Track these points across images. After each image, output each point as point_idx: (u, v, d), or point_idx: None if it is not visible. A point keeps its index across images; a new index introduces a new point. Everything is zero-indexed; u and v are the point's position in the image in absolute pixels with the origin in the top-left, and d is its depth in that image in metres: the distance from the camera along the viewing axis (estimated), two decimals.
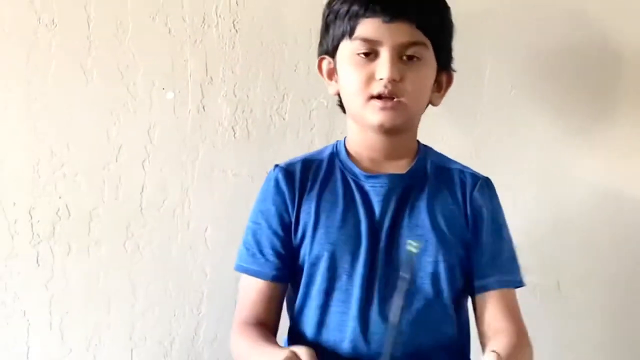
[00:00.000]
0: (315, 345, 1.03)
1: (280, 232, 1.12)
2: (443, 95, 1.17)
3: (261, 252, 1.12)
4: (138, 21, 1.35)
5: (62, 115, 1.37)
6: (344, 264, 1.09)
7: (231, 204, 1.40)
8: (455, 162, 1.20)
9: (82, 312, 1.38)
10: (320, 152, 1.19)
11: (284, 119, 1.41)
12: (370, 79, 1.07)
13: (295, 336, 1.12)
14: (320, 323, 1.09)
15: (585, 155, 1.43)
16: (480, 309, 1.12)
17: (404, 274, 0.92)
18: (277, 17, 1.40)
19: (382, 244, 1.09)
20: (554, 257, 1.38)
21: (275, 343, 1.06)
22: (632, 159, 1.42)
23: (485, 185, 1.16)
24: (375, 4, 1.06)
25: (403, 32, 1.07)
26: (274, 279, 1.10)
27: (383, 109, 1.07)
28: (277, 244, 1.12)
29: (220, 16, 1.37)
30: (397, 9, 1.06)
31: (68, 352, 1.36)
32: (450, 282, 1.09)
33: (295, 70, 1.39)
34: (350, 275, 1.09)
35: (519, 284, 1.11)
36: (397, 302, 0.89)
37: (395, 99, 1.07)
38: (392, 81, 1.06)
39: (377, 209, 1.11)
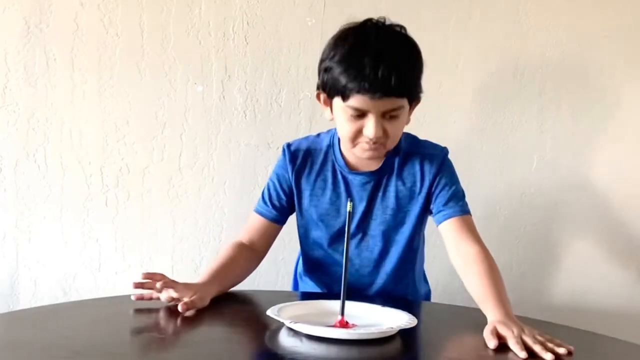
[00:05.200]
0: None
1: (286, 189, 1.30)
2: (412, 112, 1.24)
3: (270, 200, 1.31)
4: (178, 35, 1.62)
5: (123, 101, 1.63)
6: (330, 231, 1.29)
7: (242, 165, 1.65)
8: (423, 146, 1.30)
9: (137, 240, 1.65)
10: (321, 140, 1.31)
11: (280, 106, 1.66)
12: (359, 132, 1.17)
13: (306, 265, 1.36)
14: (320, 263, 1.32)
15: (481, 126, 1.72)
16: (446, 235, 1.23)
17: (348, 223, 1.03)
18: (275, 33, 1.65)
19: (356, 219, 1.27)
20: None
21: (220, 271, 1.18)
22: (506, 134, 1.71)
23: (442, 159, 1.28)
24: (366, 83, 1.11)
25: (386, 104, 1.14)
26: (271, 220, 1.30)
27: (369, 149, 1.19)
28: (283, 198, 1.30)
29: (235, 32, 1.64)
30: (383, 90, 1.11)
31: (127, 267, 1.65)
32: (401, 235, 1.28)
33: (288, 72, 1.65)
34: (334, 240, 1.29)
35: (468, 212, 1.25)
36: (347, 246, 1.02)
37: (379, 144, 1.19)
38: (377, 137, 1.17)
39: (356, 195, 1.28)
